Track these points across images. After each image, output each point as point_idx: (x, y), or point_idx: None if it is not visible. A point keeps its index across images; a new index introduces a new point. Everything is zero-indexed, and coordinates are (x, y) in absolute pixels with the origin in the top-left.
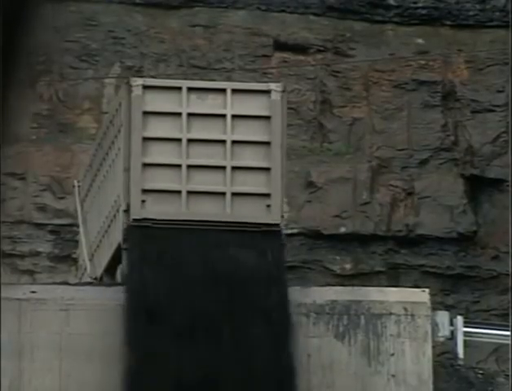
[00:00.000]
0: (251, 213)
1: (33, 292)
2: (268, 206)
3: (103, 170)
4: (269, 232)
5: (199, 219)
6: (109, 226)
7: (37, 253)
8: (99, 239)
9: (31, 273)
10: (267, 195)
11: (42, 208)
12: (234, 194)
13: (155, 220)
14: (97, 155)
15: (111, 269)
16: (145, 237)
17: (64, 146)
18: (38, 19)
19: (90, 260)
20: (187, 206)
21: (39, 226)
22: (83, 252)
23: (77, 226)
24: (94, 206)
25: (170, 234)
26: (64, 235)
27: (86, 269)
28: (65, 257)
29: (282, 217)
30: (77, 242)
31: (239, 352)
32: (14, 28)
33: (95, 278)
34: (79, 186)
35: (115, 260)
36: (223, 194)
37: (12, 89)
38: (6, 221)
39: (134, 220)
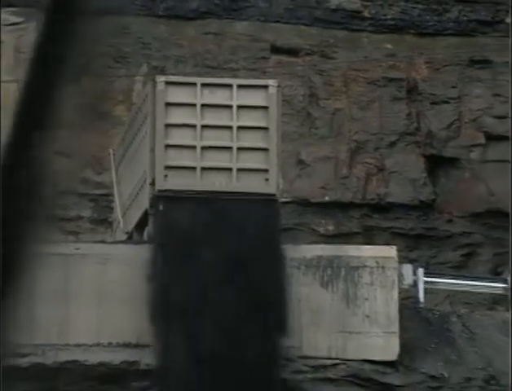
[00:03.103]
0: (253, 185)
1: (77, 248)
2: (267, 179)
3: (133, 145)
4: (267, 200)
5: (210, 190)
6: (138, 193)
7: (80, 217)
8: (130, 200)
9: (75, 233)
10: (266, 171)
11: (85, 181)
12: (239, 169)
13: (175, 190)
14: (128, 132)
15: (139, 227)
16: (167, 204)
17: (102, 131)
18: (83, 29)
19: (123, 217)
20: (201, 179)
21: (82, 195)
22: (117, 209)
23: (112, 195)
24: (127, 172)
25: (188, 201)
26: (102, 203)
27: (119, 223)
28: (102, 221)
29: (278, 187)
30: (112, 208)
31: (242, 295)
32: (63, 39)
33: (127, 232)
34: (114, 154)
35: (143, 221)
36: (230, 169)
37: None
38: (56, 191)
39: (159, 191)
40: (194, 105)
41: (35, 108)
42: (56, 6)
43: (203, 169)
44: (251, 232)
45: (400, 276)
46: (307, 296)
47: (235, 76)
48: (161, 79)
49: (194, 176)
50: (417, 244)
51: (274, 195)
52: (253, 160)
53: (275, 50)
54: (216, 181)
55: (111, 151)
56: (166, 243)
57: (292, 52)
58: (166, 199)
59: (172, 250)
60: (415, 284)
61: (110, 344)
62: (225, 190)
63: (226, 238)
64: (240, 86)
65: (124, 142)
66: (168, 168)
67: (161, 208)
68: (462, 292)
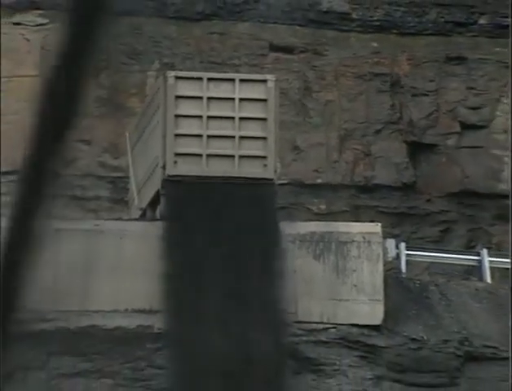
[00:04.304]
0: (253, 170)
1: (97, 225)
2: (265, 165)
3: (147, 132)
4: (265, 184)
5: (215, 175)
6: (151, 175)
7: (99, 197)
8: (144, 180)
9: (95, 211)
10: (264, 157)
11: (103, 165)
12: (240, 156)
13: (184, 176)
14: (142, 120)
15: (152, 205)
16: (177, 188)
17: (118, 120)
18: (101, 29)
19: (138, 194)
20: (207, 166)
21: (101, 177)
22: (132, 187)
23: (128, 177)
24: (141, 155)
25: (195, 185)
26: (119, 184)
27: (134, 200)
28: (119, 200)
29: (275, 172)
30: (127, 189)
31: (242, 264)
32: (85, 37)
33: (141, 208)
34: (129, 137)
35: (155, 199)
36: (233, 156)
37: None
38: (78, 174)
39: (169, 176)
40: (201, 98)
41: (59, 99)
42: (78, 9)
43: (208, 155)
44: (251, 212)
45: (384, 250)
46: (301, 268)
47: (237, 72)
48: (171, 74)
49: (200, 162)
50: (400, 221)
51: (271, 179)
52: (253, 148)
53: (273, 48)
54: (220, 167)
55: (127, 134)
56: (177, 222)
57: (288, 50)
58: (176, 184)
59: (183, 229)
60: (398, 257)
61: (126, 310)
62: (228, 175)
63: (228, 218)
64: (241, 81)
65: (138, 129)
66: (177, 155)
67: (171, 191)
68: (440, 263)
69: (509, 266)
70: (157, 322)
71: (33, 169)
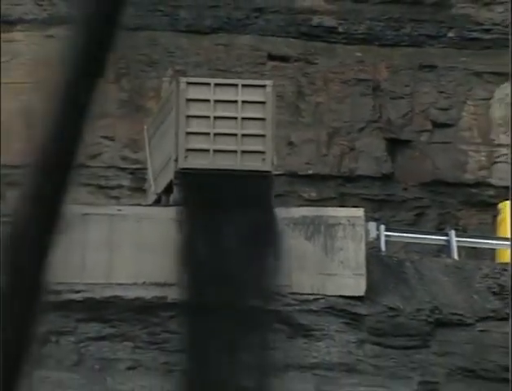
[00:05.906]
0: (253, 164)
1: (119, 210)
2: (263, 159)
3: (162, 129)
4: (263, 176)
5: (221, 168)
6: (165, 166)
7: (121, 186)
8: (159, 169)
9: (117, 198)
10: (263, 153)
11: (124, 158)
12: (242, 152)
13: (194, 169)
14: (157, 117)
15: (166, 193)
16: (188, 179)
17: (138, 119)
18: (122, 40)
19: (154, 181)
20: (214, 160)
21: (122, 169)
22: (149, 175)
23: (146, 169)
24: (156, 149)
25: (203, 177)
26: (138, 175)
27: (151, 186)
28: (138, 189)
29: (272, 165)
30: (145, 179)
31: (242, 245)
32: (107, 46)
33: (157, 194)
34: (147, 130)
35: (169, 188)
36: (236, 152)
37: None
38: (102, 166)
39: (181, 169)
40: (208, 100)
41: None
42: (88, 21)
43: (215, 151)
44: (251, 200)
45: (367, 231)
46: (295, 247)
47: (239, 78)
48: (183, 80)
49: (208, 157)
50: (380, 207)
51: (269, 171)
52: (253, 144)
53: (271, 57)
54: (225, 161)
55: (145, 128)
56: (189, 209)
57: (284, 59)
58: (187, 176)
59: (193, 214)
60: (378, 237)
61: (144, 283)
62: (232, 168)
63: (232, 204)
64: (243, 86)
65: (154, 126)
66: (188, 150)
67: (182, 181)
68: (414, 243)
69: (474, 246)
70: (170, 294)
71: (52, 158)
